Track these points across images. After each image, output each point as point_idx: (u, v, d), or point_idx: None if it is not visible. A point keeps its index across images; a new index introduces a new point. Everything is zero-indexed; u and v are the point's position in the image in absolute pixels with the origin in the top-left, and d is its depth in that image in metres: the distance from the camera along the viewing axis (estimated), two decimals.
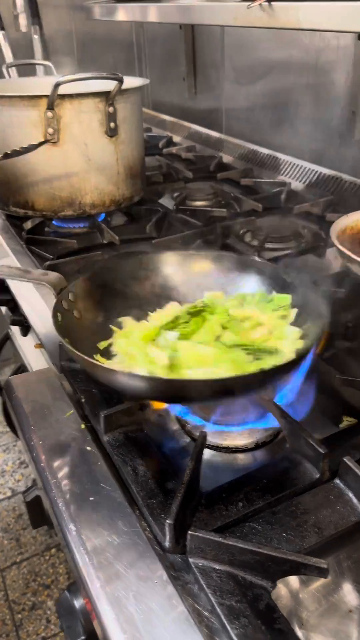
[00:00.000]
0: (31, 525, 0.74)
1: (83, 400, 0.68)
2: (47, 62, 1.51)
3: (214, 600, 0.46)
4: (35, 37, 1.80)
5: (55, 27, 2.14)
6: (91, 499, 0.56)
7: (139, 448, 0.61)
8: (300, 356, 0.60)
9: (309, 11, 0.83)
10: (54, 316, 0.67)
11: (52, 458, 0.61)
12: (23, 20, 1.81)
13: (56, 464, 0.60)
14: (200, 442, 0.57)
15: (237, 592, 0.46)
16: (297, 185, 1.38)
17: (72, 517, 0.54)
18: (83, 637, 0.57)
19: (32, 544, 1.74)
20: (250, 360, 0.65)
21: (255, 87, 1.61)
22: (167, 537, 0.49)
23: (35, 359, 1.05)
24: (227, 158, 1.63)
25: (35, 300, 0.96)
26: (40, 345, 0.94)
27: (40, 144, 0.96)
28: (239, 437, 0.65)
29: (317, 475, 0.55)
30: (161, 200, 1.34)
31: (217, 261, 0.81)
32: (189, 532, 0.48)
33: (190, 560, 0.49)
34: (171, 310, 0.77)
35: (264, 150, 1.55)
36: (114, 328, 0.73)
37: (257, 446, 0.65)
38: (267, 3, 0.89)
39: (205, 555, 0.48)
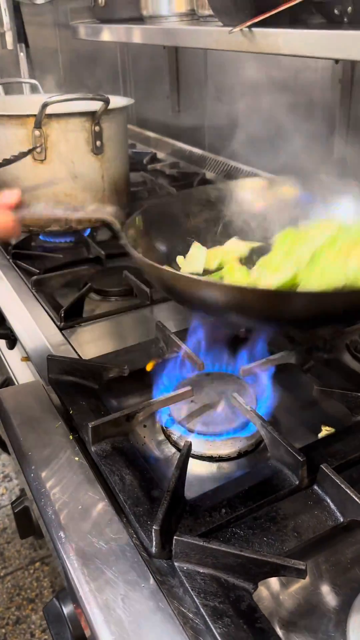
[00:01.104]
0: (19, 536, 0.76)
1: (71, 412, 0.70)
2: (33, 81, 1.54)
3: (198, 601, 0.48)
4: (22, 54, 1.83)
5: (41, 44, 2.18)
6: (79, 507, 0.58)
7: (126, 458, 0.63)
8: None
9: (288, 37, 0.87)
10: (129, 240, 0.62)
11: (41, 468, 0.63)
12: (9, 38, 1.84)
13: (45, 474, 0.62)
14: (185, 452, 0.59)
15: (220, 593, 0.48)
16: None
17: (62, 525, 0.56)
18: None
19: (16, 557, 1.73)
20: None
21: (237, 106, 1.66)
22: (154, 543, 0.52)
23: (22, 371, 1.07)
24: (209, 174, 1.67)
25: (22, 314, 0.98)
26: (27, 358, 0.96)
27: (30, 151, 0.99)
28: (223, 447, 0.67)
29: (297, 482, 0.58)
30: None
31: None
32: (175, 537, 0.50)
33: (176, 564, 0.51)
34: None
35: (245, 167, 1.59)
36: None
37: (240, 455, 0.67)
38: (247, 29, 0.93)
39: (189, 559, 0.50)
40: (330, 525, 0.55)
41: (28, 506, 0.72)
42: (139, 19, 1.43)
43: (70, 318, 0.93)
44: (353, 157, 1.31)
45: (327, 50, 0.83)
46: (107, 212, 0.70)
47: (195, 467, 0.66)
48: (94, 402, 0.72)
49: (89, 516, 0.57)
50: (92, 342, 0.90)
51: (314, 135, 1.39)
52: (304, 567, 0.48)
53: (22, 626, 1.54)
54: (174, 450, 0.69)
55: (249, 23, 0.91)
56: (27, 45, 1.87)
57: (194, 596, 0.48)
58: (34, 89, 1.58)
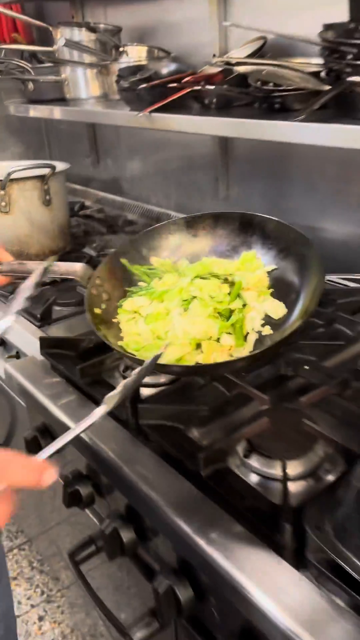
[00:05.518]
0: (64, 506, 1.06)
1: (62, 367, 1.09)
2: None
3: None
4: None
5: None
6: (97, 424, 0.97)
7: (106, 384, 1.02)
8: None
9: (177, 120, 1.34)
10: (89, 311, 0.82)
11: (55, 402, 1.01)
12: None
13: (58, 406, 1.00)
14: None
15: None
16: None
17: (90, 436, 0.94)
18: None
19: None
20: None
21: (146, 160, 2.13)
22: (129, 414, 0.91)
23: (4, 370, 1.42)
24: (130, 216, 2.11)
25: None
26: (13, 356, 1.32)
27: None
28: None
29: None
30: (85, 250, 1.78)
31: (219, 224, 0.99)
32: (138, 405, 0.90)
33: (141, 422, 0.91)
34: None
35: (157, 209, 2.04)
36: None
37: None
38: (149, 113, 1.38)
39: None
40: None
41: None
42: (62, 99, 1.87)
43: (44, 319, 1.32)
44: (233, 196, 1.79)
45: (203, 129, 1.30)
46: (75, 270, 0.84)
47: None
48: (76, 361, 1.10)
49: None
50: (62, 333, 1.29)
51: (203, 181, 1.87)
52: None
53: None
54: None
55: (148, 110, 1.37)
56: None
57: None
58: None
